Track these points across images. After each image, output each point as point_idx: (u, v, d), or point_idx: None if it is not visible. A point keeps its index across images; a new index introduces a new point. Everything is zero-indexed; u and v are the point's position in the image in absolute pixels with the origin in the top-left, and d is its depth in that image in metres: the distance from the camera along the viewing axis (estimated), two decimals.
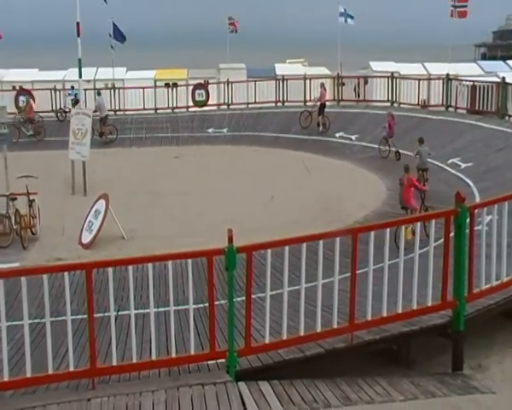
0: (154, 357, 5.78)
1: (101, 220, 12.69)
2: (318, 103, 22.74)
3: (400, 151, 18.29)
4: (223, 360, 5.72)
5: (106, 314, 6.07)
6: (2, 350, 5.35)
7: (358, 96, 25.31)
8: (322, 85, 23.43)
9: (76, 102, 24.79)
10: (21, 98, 25.12)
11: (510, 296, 6.90)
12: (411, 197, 11.77)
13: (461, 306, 6.30)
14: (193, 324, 5.81)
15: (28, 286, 5.47)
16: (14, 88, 25.83)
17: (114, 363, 5.65)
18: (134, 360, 5.68)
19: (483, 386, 5.78)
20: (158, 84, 26.85)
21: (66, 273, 5.64)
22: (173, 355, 5.79)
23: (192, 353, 5.79)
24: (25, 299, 5.38)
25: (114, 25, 27.10)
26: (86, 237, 12.69)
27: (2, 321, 5.31)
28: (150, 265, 5.75)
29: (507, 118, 19.33)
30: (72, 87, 25.43)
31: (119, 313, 6.73)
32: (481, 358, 6.60)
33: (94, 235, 12.59)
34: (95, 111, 22.24)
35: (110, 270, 5.66)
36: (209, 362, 5.82)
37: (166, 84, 26.56)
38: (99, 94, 23.53)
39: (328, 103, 23.95)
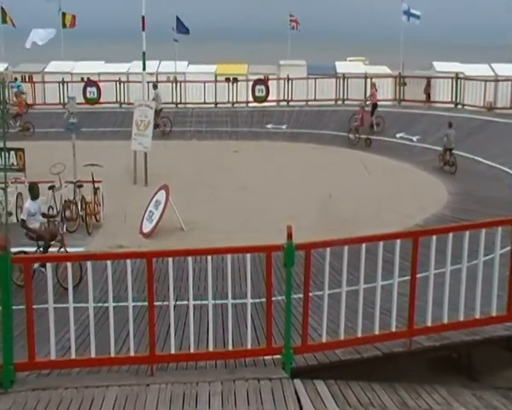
0: (211, 348, 5.85)
1: (162, 211, 12.98)
2: (370, 103, 22.42)
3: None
4: (279, 356, 5.73)
5: (164, 303, 6.19)
6: (70, 330, 5.57)
7: (429, 97, 24.40)
8: (374, 85, 23.07)
9: (20, 93, 25.15)
10: (89, 89, 25.97)
11: None
12: None
13: None
14: (250, 318, 5.86)
15: (92, 270, 5.67)
16: (82, 80, 26.73)
17: (172, 351, 5.77)
18: (191, 350, 5.78)
19: None
20: (218, 78, 27.11)
21: (128, 261, 5.81)
22: (230, 348, 5.85)
23: (249, 347, 5.85)
24: (90, 282, 5.58)
25: (178, 18, 27.58)
26: (147, 227, 13.01)
27: (70, 302, 5.54)
28: (209, 257, 5.83)
29: None
30: (16, 79, 25.68)
31: (177, 302, 6.85)
32: None
33: (154, 225, 12.89)
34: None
35: (170, 260, 5.77)
36: (265, 357, 5.85)
37: (227, 79, 26.76)
38: (155, 87, 23.90)
39: (389, 103, 23.51)
